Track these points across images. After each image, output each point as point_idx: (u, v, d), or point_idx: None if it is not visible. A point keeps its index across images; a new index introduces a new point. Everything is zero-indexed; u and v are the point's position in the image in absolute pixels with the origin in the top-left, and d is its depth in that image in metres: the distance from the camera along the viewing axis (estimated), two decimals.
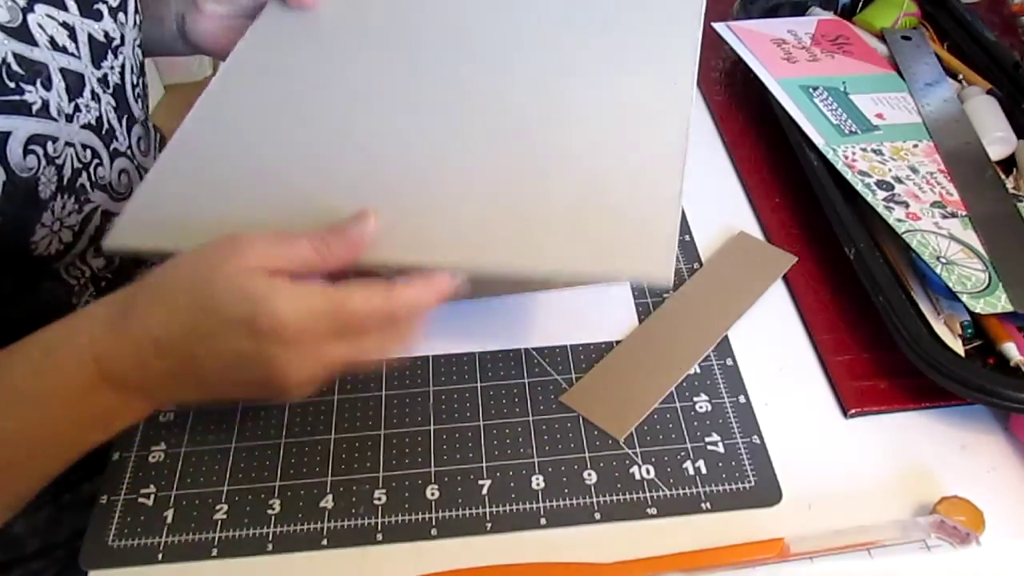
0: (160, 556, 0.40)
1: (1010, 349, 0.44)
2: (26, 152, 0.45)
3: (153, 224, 0.41)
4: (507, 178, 0.42)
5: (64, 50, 0.48)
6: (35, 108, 0.46)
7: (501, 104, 0.46)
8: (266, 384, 0.35)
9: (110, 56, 0.53)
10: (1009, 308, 0.44)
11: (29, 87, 0.46)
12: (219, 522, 0.41)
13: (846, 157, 0.54)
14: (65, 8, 0.49)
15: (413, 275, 0.36)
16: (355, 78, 0.48)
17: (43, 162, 0.47)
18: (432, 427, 0.45)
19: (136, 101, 0.58)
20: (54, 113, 0.47)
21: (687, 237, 0.55)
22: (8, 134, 0.44)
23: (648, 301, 0.51)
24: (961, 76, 0.63)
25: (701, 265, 0.53)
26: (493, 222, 0.39)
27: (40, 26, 0.47)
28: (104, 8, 0.52)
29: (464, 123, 0.45)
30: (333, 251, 0.35)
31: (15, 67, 0.45)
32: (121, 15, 0.54)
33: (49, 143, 0.47)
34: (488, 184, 0.41)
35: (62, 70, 0.48)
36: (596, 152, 0.43)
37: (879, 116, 0.58)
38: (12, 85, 0.44)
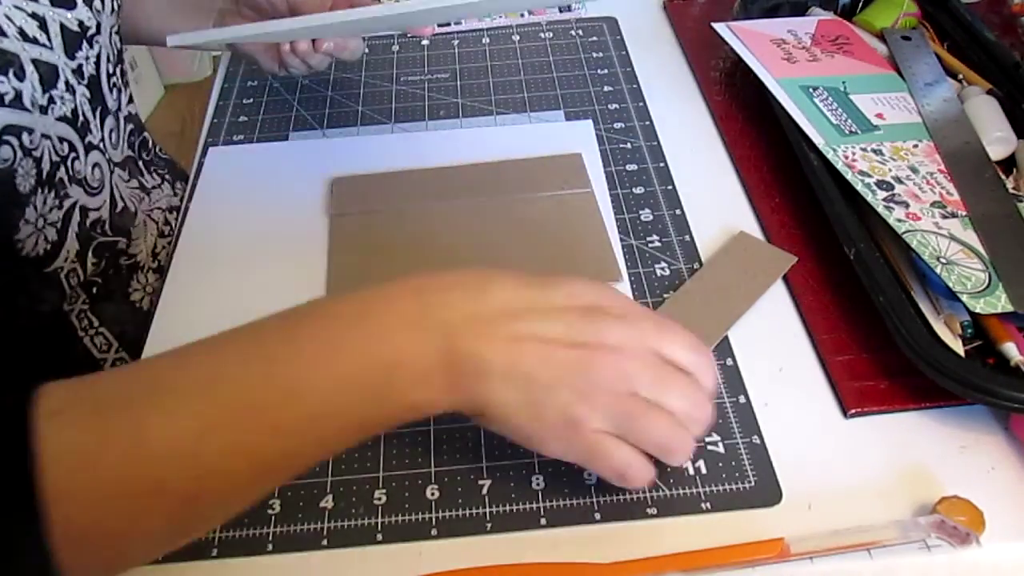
0: (160, 556, 0.40)
1: (1010, 349, 0.44)
2: (1, 142, 0.45)
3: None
4: None
5: (35, 41, 0.47)
6: (8, 98, 0.45)
7: None
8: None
9: (85, 46, 0.52)
10: (1009, 308, 0.44)
11: (1, 77, 0.45)
12: None
13: (846, 157, 0.54)
14: None
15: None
16: None
17: (19, 153, 0.46)
18: (432, 427, 0.45)
19: (111, 91, 0.57)
20: (27, 104, 0.46)
21: (687, 237, 0.55)
22: None
23: (648, 301, 0.51)
24: (961, 76, 0.63)
25: (701, 265, 0.53)
26: None
27: (8, 17, 0.46)
28: None
29: None
30: None
31: None
32: (97, 2, 0.53)
33: (24, 134, 0.46)
34: None
35: (34, 61, 0.47)
36: None
37: (879, 116, 0.58)
38: None
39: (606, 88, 0.69)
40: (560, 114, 0.66)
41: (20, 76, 0.46)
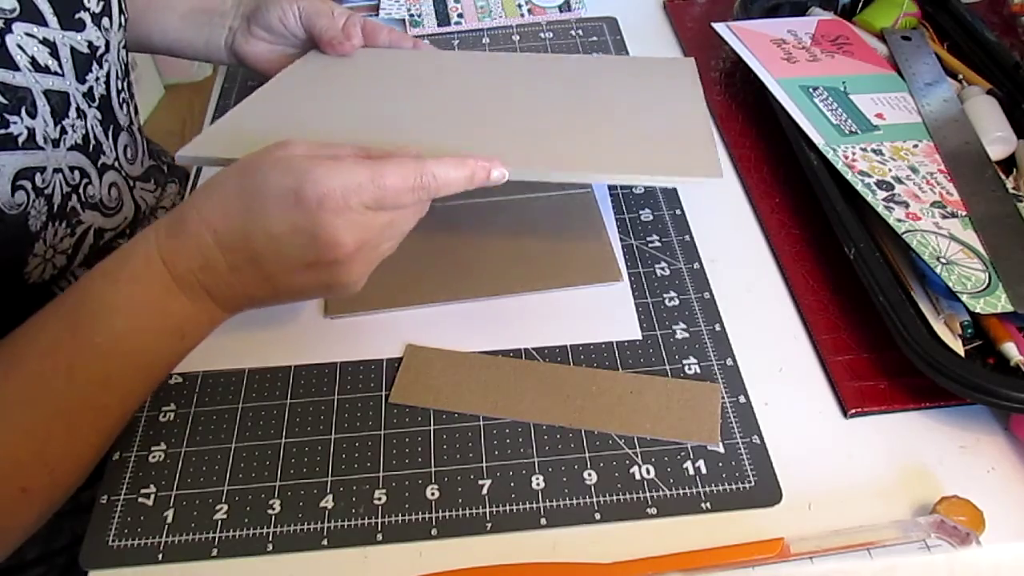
0: (160, 556, 0.40)
1: (1010, 349, 0.44)
2: (15, 188, 0.44)
3: (224, 142, 0.47)
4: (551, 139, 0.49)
5: (47, 70, 0.47)
6: (21, 140, 0.44)
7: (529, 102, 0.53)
8: (321, 262, 0.38)
9: (95, 67, 0.52)
10: (1009, 308, 0.44)
11: (14, 118, 0.44)
12: (219, 522, 0.41)
13: (846, 157, 0.54)
14: (45, 23, 0.47)
15: (444, 157, 0.40)
16: (400, 87, 0.55)
17: (32, 195, 0.46)
18: (432, 427, 0.45)
19: (121, 107, 0.57)
20: (40, 141, 0.46)
21: (687, 237, 0.55)
22: None
23: (648, 301, 0.51)
24: (961, 76, 0.63)
25: (701, 265, 0.53)
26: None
27: (20, 47, 0.45)
28: (87, 16, 0.50)
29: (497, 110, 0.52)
30: (374, 152, 0.39)
31: None
32: (105, 20, 0.52)
33: (37, 175, 0.46)
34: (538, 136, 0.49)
35: (46, 92, 0.47)
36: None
37: (879, 116, 0.58)
38: None
39: None
40: None
41: (32, 113, 0.45)
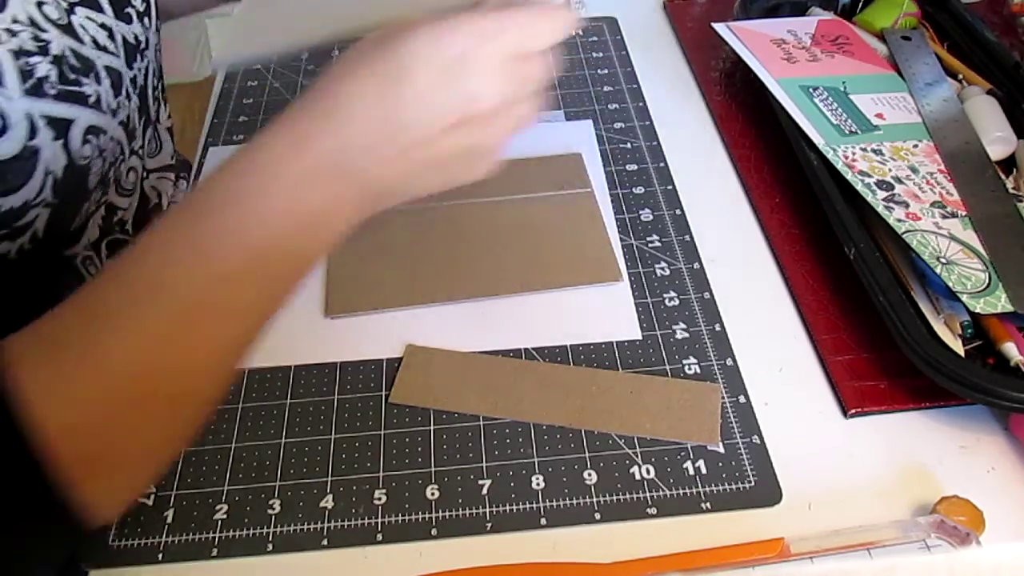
0: (160, 556, 0.40)
1: (1010, 349, 0.44)
2: (84, 141, 0.46)
3: (261, 37, 0.45)
4: None
5: (105, 49, 0.50)
6: (91, 100, 0.47)
7: None
8: (466, 119, 0.37)
9: (138, 58, 0.54)
10: (1009, 308, 0.44)
11: (85, 79, 0.47)
12: (219, 522, 0.41)
13: (846, 157, 0.54)
14: (102, 10, 0.50)
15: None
16: None
17: (95, 153, 0.48)
18: (432, 427, 0.45)
19: (153, 104, 0.59)
20: (104, 107, 0.49)
21: (687, 237, 0.55)
22: (71, 121, 0.45)
23: (648, 301, 0.51)
24: (961, 76, 0.63)
25: (701, 266, 0.53)
26: None
27: (82, 27, 0.48)
28: (133, 12, 0.54)
29: None
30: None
31: (72, 60, 0.46)
32: (146, 19, 0.55)
33: (101, 135, 0.48)
34: None
35: (106, 67, 0.49)
36: None
37: (879, 116, 0.58)
38: (72, 77, 0.45)
39: (606, 88, 0.69)
40: (560, 114, 0.66)
41: (98, 80, 0.48)
